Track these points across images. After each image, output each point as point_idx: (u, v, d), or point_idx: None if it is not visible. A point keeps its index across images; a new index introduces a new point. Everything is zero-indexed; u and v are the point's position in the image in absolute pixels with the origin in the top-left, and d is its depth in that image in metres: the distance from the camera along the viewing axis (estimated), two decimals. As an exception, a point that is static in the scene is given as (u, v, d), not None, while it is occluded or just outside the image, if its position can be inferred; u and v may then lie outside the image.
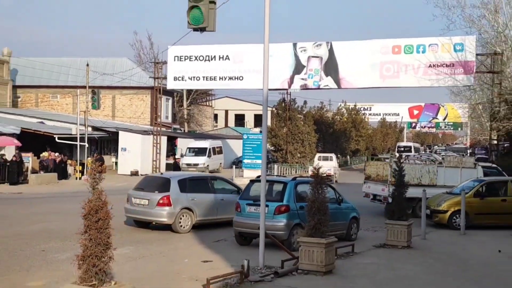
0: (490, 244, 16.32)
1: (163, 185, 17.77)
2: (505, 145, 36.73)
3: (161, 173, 21.94)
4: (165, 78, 42.49)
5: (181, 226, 17.37)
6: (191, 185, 18.04)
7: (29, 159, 36.09)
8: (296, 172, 44.56)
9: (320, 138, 55.34)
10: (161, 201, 17.19)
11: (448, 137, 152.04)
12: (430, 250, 15.27)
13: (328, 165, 40.01)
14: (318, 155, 46.55)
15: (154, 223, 17.82)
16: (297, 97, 52.16)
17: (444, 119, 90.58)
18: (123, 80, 52.18)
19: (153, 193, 17.54)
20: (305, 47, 38.20)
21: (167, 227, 17.58)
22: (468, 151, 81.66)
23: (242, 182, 33.01)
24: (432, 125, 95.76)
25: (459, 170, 22.70)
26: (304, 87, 39.06)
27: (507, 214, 18.89)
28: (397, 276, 12.11)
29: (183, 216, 17.43)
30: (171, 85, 42.04)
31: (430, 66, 35.07)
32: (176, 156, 48.16)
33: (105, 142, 48.92)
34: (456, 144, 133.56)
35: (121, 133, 44.71)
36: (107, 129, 46.63)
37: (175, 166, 35.86)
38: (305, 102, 56.13)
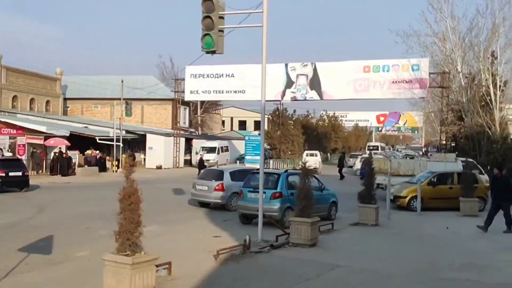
0: (440, 223, 16.33)
1: (218, 175, 18.63)
2: (452, 144, 36.66)
3: (217, 166, 22.44)
4: (183, 92, 42.47)
5: (232, 205, 17.96)
6: (239, 175, 18.53)
7: (76, 156, 36.05)
8: (287, 166, 44.57)
9: (306, 139, 55.34)
10: (217, 187, 18.15)
11: (407, 138, 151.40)
12: (394, 227, 15.27)
13: (314, 160, 40.09)
14: (306, 152, 46.44)
15: (212, 203, 18.53)
16: (288, 107, 52.17)
17: (404, 124, 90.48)
18: (150, 93, 52.25)
19: (211, 181, 18.46)
20: (294, 66, 38.14)
21: (221, 207, 18.24)
22: (423, 150, 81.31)
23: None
24: (395, 129, 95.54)
25: (443, 163, 22.65)
26: (294, 99, 39.04)
27: (453, 199, 18.91)
28: (368, 247, 12.12)
29: (233, 198, 17.97)
30: (188, 97, 42.06)
31: (393, 82, 35.05)
32: (194, 154, 47.89)
33: (136, 143, 48.79)
34: (413, 144, 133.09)
35: (148, 135, 44.69)
36: (137, 132, 46.55)
37: (200, 162, 34.89)
38: (294, 111, 56.40)
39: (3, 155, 30.28)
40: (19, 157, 29.95)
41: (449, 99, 34.61)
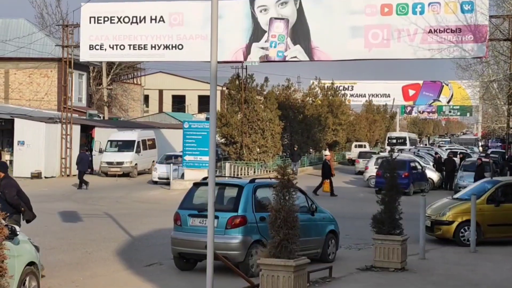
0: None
1: None
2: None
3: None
4: (78, 46, 41.93)
5: None
6: None
7: None
8: (254, 172, 44.60)
9: (286, 127, 55.46)
10: None
11: (454, 125, 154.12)
12: (432, 275, 15.25)
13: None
14: (354, 143, 65.14)
15: None
16: (255, 73, 51.96)
17: (448, 102, 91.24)
18: (20, 49, 51.24)
19: None
20: (266, 5, 38.02)
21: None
22: (480, 143, 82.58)
23: (182, 187, 32.99)
24: (433, 110, 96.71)
25: None
26: (265, 59, 38.94)
27: None
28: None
29: None
30: (85, 56, 41.42)
31: (430, 31, 35.30)
32: (96, 151, 47.30)
33: (-5, 133, 48.21)
34: (464, 134, 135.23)
35: (17, 121, 44.03)
36: (-3, 115, 45.92)
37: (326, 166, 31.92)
38: (266, 79, 55.92)
39: None
40: None
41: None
